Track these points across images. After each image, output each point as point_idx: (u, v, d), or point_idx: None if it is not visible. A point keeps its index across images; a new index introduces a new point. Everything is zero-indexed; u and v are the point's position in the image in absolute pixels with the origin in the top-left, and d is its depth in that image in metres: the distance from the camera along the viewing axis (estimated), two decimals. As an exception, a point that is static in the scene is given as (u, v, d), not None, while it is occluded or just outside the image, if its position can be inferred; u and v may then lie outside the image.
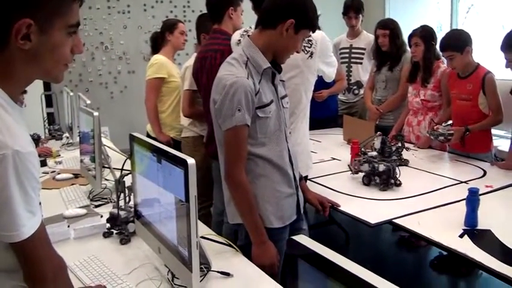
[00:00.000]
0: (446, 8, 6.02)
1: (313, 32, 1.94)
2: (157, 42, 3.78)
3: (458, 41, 2.89)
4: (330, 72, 2.37)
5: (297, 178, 2.00)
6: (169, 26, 3.68)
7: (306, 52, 2.21)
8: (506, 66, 2.60)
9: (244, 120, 1.74)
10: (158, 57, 3.61)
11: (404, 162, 2.93)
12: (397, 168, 2.53)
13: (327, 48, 2.31)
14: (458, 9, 5.90)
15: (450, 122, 3.01)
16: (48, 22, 1.00)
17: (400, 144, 2.97)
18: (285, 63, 1.93)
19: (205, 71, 2.68)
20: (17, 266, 1.05)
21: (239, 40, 2.38)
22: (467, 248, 1.83)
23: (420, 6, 6.32)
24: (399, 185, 2.50)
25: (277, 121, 1.87)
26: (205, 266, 1.59)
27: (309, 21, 1.85)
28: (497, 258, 1.73)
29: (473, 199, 1.98)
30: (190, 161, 1.33)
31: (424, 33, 3.26)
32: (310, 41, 2.20)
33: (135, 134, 1.76)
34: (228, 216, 1.98)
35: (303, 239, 0.82)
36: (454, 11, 5.91)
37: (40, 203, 1.20)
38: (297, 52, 1.93)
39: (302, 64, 2.22)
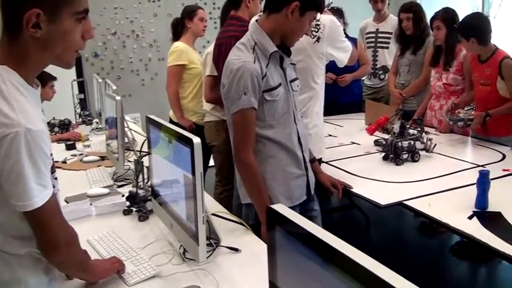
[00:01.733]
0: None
1: (321, 13, 1.94)
2: (178, 29, 3.83)
3: (465, 29, 2.87)
4: (341, 58, 2.35)
5: (307, 159, 2.03)
6: (189, 12, 3.72)
7: (312, 36, 2.21)
8: None
9: (251, 104, 1.78)
10: (178, 44, 3.67)
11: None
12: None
13: (336, 32, 2.29)
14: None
15: (472, 105, 2.97)
16: (56, 11, 1.09)
17: (419, 128, 2.97)
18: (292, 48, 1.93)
19: (221, 57, 2.73)
20: (30, 234, 1.15)
21: None
22: (475, 229, 1.85)
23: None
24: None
25: (286, 104, 1.90)
26: (215, 242, 1.68)
27: (315, 2, 1.83)
28: (504, 240, 1.73)
29: (483, 181, 1.99)
30: (196, 140, 1.40)
31: (446, 16, 3.21)
32: (318, 25, 2.20)
33: (151, 116, 1.84)
34: (240, 196, 2.05)
35: (280, 208, 0.87)
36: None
37: (56, 178, 1.30)
38: (306, 34, 1.94)
39: (309, 48, 2.23)
